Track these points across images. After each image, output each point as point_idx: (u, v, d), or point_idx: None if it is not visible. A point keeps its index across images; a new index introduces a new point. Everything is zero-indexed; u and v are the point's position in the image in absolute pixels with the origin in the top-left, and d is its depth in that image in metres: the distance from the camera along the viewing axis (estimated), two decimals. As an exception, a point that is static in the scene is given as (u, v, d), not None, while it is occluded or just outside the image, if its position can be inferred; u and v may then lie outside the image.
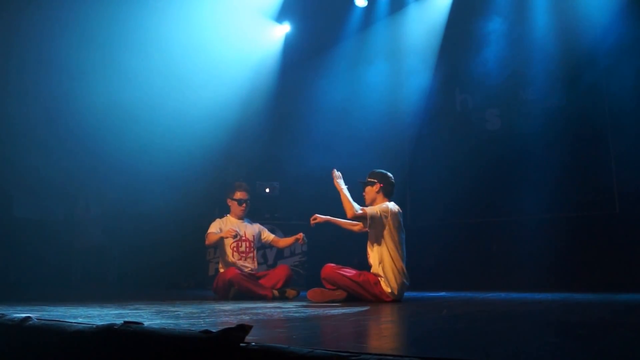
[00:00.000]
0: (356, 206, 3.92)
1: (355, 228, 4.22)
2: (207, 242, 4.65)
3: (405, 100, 6.85)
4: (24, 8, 5.32)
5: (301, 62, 7.33)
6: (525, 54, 6.06)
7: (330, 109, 6.94)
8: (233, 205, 4.82)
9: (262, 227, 4.96)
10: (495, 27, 6.17)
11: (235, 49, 6.48)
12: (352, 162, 6.62)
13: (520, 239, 5.59)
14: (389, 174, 4.16)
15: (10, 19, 5.25)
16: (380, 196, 4.09)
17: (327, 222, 4.21)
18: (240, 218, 4.83)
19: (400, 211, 4.05)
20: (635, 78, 5.25)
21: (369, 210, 3.91)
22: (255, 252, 4.83)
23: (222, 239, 4.60)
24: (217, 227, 4.69)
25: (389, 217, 3.91)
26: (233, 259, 4.68)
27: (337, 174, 4.08)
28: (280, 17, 7.14)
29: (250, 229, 4.83)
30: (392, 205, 4.01)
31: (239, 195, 4.80)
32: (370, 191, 4.11)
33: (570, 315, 2.77)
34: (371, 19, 6.93)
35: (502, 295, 4.48)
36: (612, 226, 5.31)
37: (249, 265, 4.72)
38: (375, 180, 4.10)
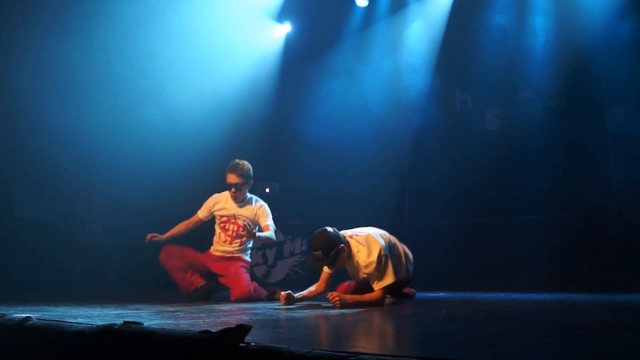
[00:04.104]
0: (376, 290, 3.38)
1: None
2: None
3: (405, 100, 6.84)
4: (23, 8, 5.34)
5: (302, 62, 7.32)
6: (525, 54, 6.05)
7: (330, 108, 6.93)
8: None
9: (263, 211, 4.42)
10: (495, 27, 6.16)
11: (235, 49, 6.48)
12: (352, 162, 6.67)
13: (520, 239, 5.58)
14: (326, 232, 3.36)
15: (9, 18, 5.26)
16: (346, 254, 3.41)
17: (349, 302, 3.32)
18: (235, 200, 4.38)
19: (384, 234, 3.71)
20: (635, 77, 5.25)
21: (383, 282, 3.36)
22: (245, 239, 4.35)
23: (212, 215, 4.39)
24: (208, 205, 4.44)
25: (388, 253, 3.47)
26: (218, 239, 4.37)
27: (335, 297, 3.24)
28: (281, 16, 7.14)
29: (245, 212, 4.38)
30: (374, 240, 3.46)
31: (227, 179, 4.32)
32: (341, 259, 3.41)
33: (569, 316, 2.77)
34: (372, 19, 6.93)
35: (502, 295, 4.47)
36: (612, 226, 5.30)
37: (232, 249, 4.33)
38: (333, 249, 3.33)
